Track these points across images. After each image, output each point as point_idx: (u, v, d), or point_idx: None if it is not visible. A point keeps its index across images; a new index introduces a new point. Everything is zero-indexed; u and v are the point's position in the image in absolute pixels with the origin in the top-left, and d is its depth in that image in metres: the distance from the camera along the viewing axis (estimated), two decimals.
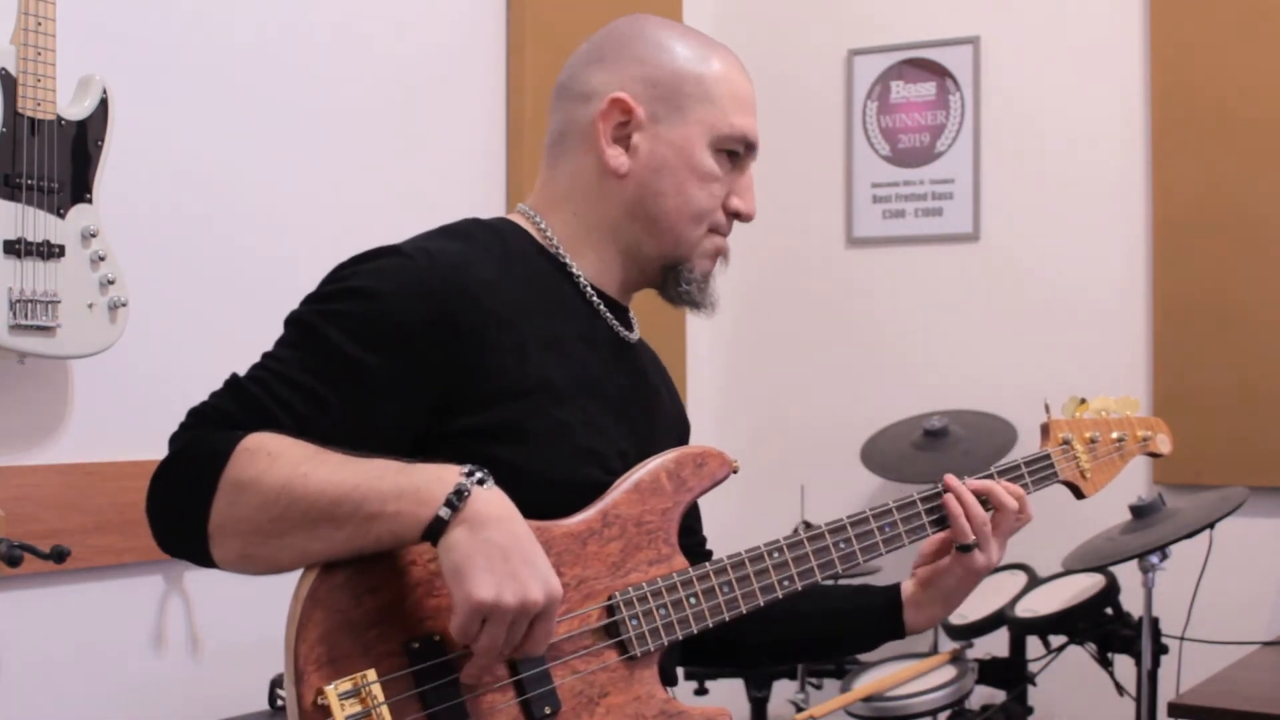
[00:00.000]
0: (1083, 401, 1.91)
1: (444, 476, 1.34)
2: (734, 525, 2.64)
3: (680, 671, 1.89)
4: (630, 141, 1.60)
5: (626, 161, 1.60)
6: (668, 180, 1.60)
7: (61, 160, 2.24)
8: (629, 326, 1.69)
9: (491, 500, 1.34)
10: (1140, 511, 2.90)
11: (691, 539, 1.76)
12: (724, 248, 1.68)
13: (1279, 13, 3.32)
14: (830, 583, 1.73)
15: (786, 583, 1.61)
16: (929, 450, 3.34)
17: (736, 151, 1.63)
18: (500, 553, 1.31)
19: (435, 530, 1.32)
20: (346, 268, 1.50)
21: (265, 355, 1.46)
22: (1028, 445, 1.87)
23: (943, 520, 1.70)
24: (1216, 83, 3.38)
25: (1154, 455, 1.95)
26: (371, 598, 1.36)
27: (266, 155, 2.75)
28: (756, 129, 1.65)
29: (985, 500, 1.70)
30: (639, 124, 1.60)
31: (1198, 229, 3.39)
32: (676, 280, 1.64)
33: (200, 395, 1.46)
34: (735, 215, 1.65)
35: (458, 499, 1.32)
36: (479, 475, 1.35)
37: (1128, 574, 2.92)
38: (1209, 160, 3.38)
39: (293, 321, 1.47)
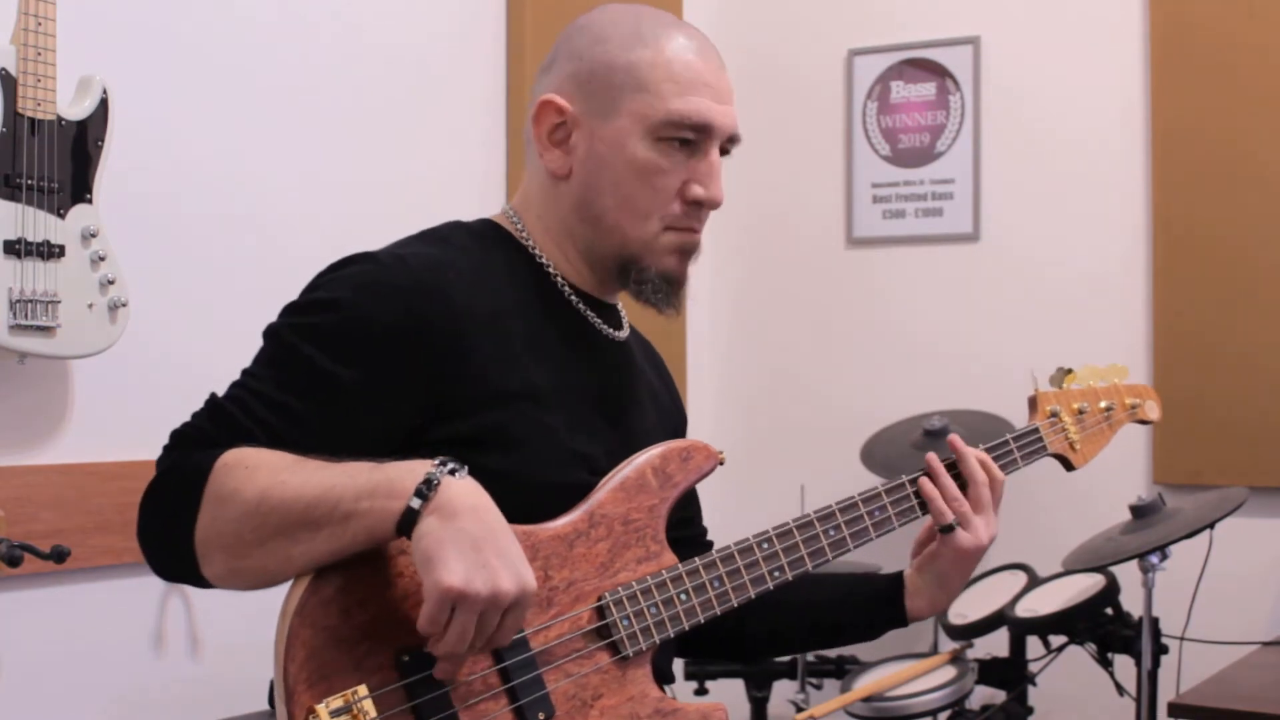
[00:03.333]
0: (1069, 371, 1.89)
1: (415, 469, 1.33)
2: (733, 526, 2.63)
3: (680, 671, 1.89)
4: (569, 142, 1.58)
5: (566, 163, 1.57)
6: (605, 177, 1.56)
7: (61, 160, 2.24)
8: (617, 324, 1.67)
9: (464, 489, 1.32)
10: (1140, 511, 2.90)
11: (691, 530, 1.76)
12: (688, 243, 1.60)
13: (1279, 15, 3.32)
14: (831, 571, 1.72)
15: (777, 573, 1.60)
16: (929, 450, 3.34)
17: (686, 138, 1.56)
18: (471, 541, 1.29)
19: (407, 522, 1.31)
20: (321, 277, 1.50)
21: (243, 372, 1.46)
22: None
23: None
24: (1217, 84, 3.37)
25: (1143, 422, 1.93)
26: (360, 611, 1.35)
27: (267, 155, 2.75)
28: (711, 110, 1.55)
29: (959, 475, 1.69)
30: (575, 123, 1.57)
31: (1198, 231, 3.39)
32: (628, 279, 1.59)
33: (200, 396, 1.47)
34: (696, 203, 1.58)
35: (427, 488, 1.31)
36: (451, 465, 1.33)
37: (1128, 574, 2.92)
38: (1210, 161, 3.38)
39: (269, 335, 1.47)
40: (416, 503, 1.31)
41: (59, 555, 2.15)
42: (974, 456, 1.70)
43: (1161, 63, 3.44)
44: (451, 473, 1.33)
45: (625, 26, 1.58)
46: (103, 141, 2.30)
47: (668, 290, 1.59)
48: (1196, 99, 3.39)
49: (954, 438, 1.71)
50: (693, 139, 1.56)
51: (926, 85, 3.74)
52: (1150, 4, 3.47)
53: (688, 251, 1.60)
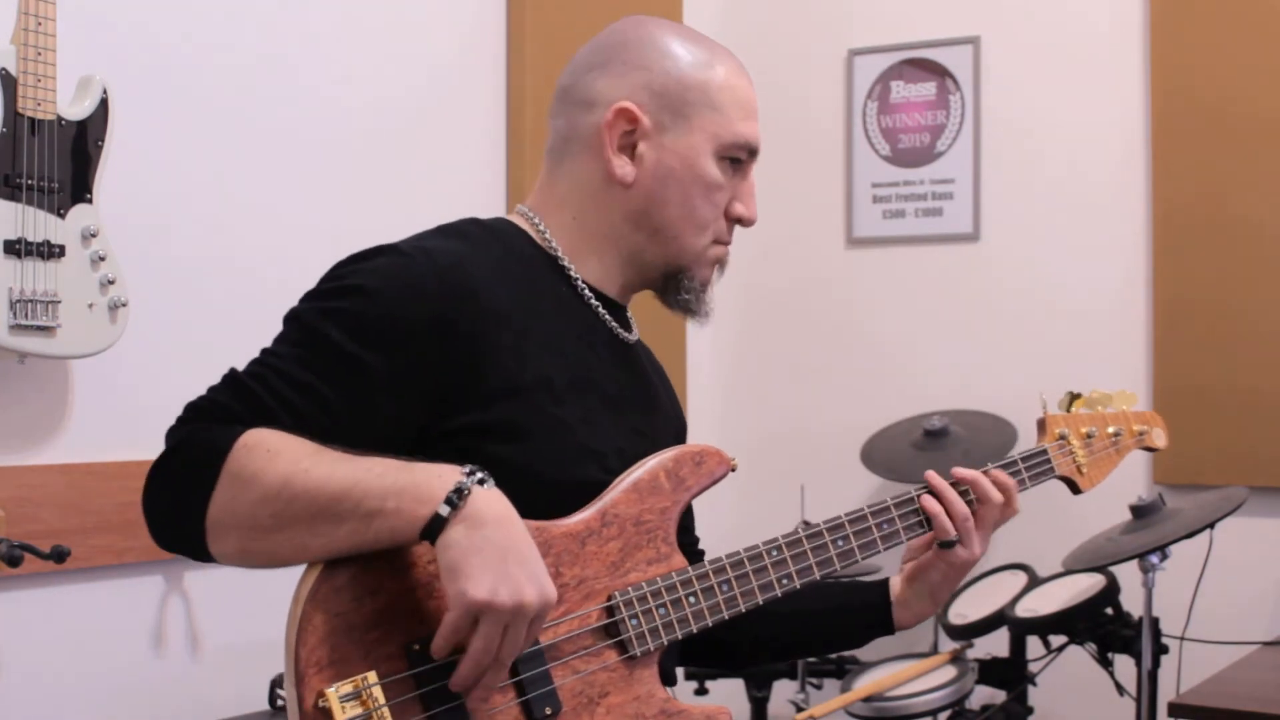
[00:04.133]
0: (1079, 396, 1.91)
1: (444, 475, 1.34)
2: (734, 525, 2.64)
3: (680, 671, 1.89)
4: (635, 150, 1.60)
5: (633, 171, 1.59)
6: (674, 190, 1.60)
7: (61, 160, 2.24)
8: (627, 327, 1.69)
9: (491, 500, 1.34)
10: (1140, 511, 2.90)
11: (685, 537, 1.76)
12: (725, 256, 1.68)
13: (1278, 15, 3.32)
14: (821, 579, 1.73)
15: (785, 581, 1.61)
16: (929, 450, 3.35)
17: (739, 158, 1.63)
18: (497, 552, 1.31)
19: (434, 528, 1.32)
20: (345, 266, 1.50)
21: (264, 351, 1.46)
22: (1027, 445, 1.86)
23: None
24: (1216, 83, 3.38)
25: (1150, 450, 1.94)
26: (372, 600, 1.36)
27: (267, 155, 2.75)
28: (759, 133, 1.65)
29: (968, 492, 1.70)
30: (645, 133, 1.59)
31: (1198, 228, 3.39)
32: (677, 289, 1.65)
33: (199, 396, 1.46)
34: (738, 221, 1.65)
35: (458, 497, 1.32)
36: (479, 475, 1.35)
37: (1128, 574, 2.92)
38: (1209, 160, 3.38)
39: (292, 318, 1.48)
40: (446, 510, 1.32)
41: (59, 555, 2.15)
42: (989, 481, 1.70)
43: (1161, 61, 3.44)
44: (480, 482, 1.34)
45: (686, 45, 1.62)
46: (103, 141, 2.30)
47: (704, 298, 1.67)
48: (1196, 97, 3.40)
49: (958, 470, 1.72)
50: (743, 160, 1.64)
51: (926, 85, 3.74)
52: (1150, 4, 3.47)
53: (723, 263, 1.69)
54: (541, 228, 1.63)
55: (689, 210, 1.61)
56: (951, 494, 1.69)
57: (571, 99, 1.63)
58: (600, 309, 1.63)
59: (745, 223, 1.66)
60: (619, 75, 1.60)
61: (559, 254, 1.62)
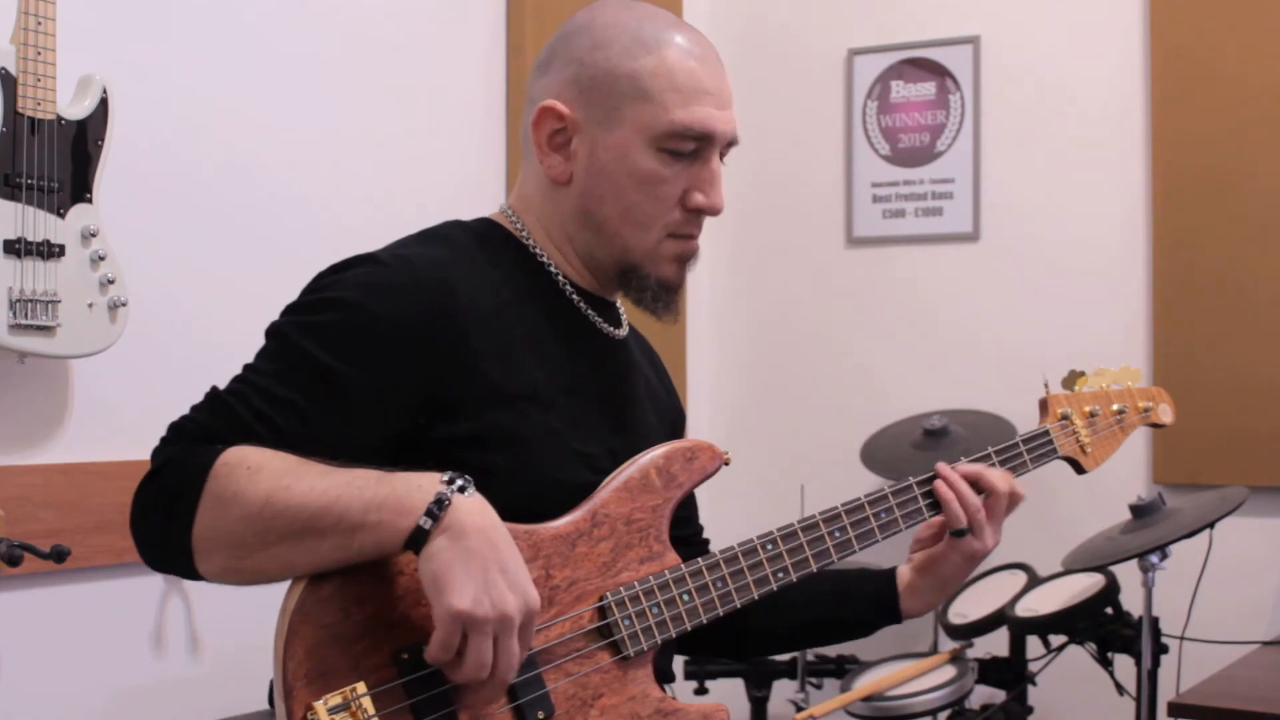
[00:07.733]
0: (1081, 374, 1.88)
1: (424, 485, 1.33)
2: (734, 526, 2.63)
3: (680, 671, 1.89)
4: (570, 147, 1.57)
5: (567, 169, 1.57)
6: (606, 186, 1.55)
7: (61, 160, 2.24)
8: (616, 322, 1.67)
9: (473, 509, 1.33)
10: (1140, 511, 2.90)
11: (688, 529, 1.76)
12: (686, 252, 1.60)
13: (1278, 9, 3.32)
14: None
15: (781, 574, 1.60)
16: (929, 450, 3.34)
17: (682, 148, 1.55)
18: (479, 562, 1.30)
19: (417, 540, 1.31)
20: (325, 277, 1.50)
21: (245, 367, 1.46)
22: None
23: (938, 505, 1.69)
24: (1216, 83, 3.37)
25: (1156, 426, 1.91)
26: (359, 610, 1.35)
27: (267, 155, 2.75)
28: (712, 118, 1.54)
29: (977, 485, 1.69)
30: (576, 128, 1.56)
31: (1199, 228, 3.39)
32: (628, 286, 1.60)
33: (199, 395, 1.47)
34: (698, 211, 1.58)
35: (438, 508, 1.31)
36: (460, 483, 1.34)
37: (1128, 574, 2.92)
38: (1209, 161, 3.38)
39: (272, 333, 1.47)
40: (427, 523, 1.31)
41: (59, 555, 2.15)
42: (996, 474, 1.70)
43: (1161, 62, 3.44)
44: (461, 490, 1.33)
45: (626, 31, 1.56)
46: (103, 141, 2.30)
47: (666, 297, 1.61)
48: (1196, 98, 3.39)
49: (961, 466, 1.70)
50: (695, 148, 1.56)
51: (926, 85, 3.74)
52: (1150, 3, 3.47)
53: (686, 259, 1.61)
54: (520, 226, 1.62)
55: (625, 206, 1.55)
56: (962, 483, 1.67)
57: (526, 98, 1.63)
58: (584, 307, 1.62)
59: (707, 212, 1.58)
60: (555, 72, 1.58)
61: (538, 252, 1.61)
